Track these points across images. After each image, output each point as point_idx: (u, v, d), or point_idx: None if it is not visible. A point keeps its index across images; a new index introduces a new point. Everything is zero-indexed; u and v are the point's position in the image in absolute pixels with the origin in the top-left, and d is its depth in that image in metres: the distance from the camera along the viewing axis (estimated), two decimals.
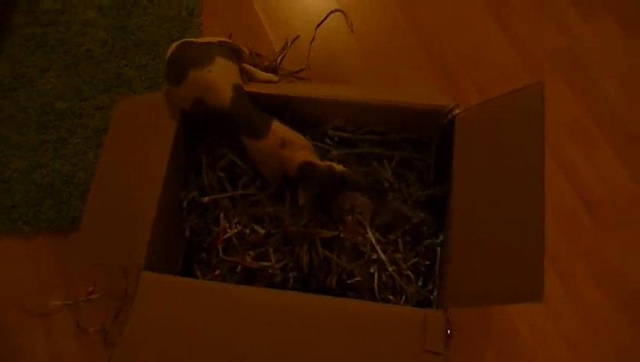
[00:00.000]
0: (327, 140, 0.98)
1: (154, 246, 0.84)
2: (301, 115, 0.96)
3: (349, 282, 0.89)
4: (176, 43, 0.93)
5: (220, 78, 0.88)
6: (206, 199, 0.96)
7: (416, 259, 0.91)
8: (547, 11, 1.29)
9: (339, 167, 0.84)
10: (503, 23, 1.29)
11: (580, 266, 1.08)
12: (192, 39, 0.96)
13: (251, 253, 0.94)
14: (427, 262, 0.92)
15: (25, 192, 1.19)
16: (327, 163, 0.85)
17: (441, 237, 0.90)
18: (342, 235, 0.90)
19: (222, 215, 0.96)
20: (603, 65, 1.24)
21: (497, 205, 0.76)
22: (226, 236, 0.94)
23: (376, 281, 0.89)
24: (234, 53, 0.94)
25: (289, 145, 0.86)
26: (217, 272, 0.95)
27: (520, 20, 1.29)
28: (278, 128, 0.87)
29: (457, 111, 0.88)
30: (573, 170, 1.15)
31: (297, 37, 1.30)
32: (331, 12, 1.33)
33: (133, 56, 1.29)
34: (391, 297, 0.90)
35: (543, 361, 1.03)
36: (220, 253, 0.95)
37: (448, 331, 1.00)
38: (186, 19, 1.33)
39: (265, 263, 0.92)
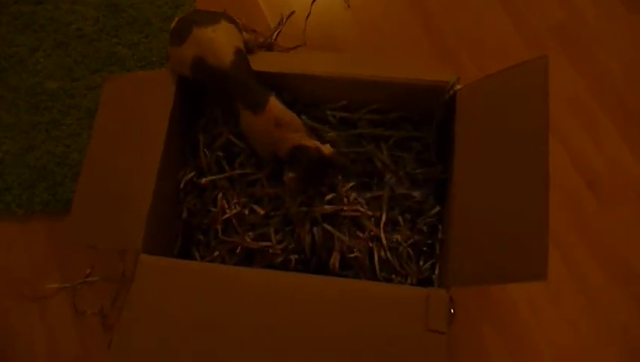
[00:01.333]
0: (329, 118, 0.97)
1: (151, 228, 0.83)
2: (298, 93, 0.94)
3: (349, 256, 0.88)
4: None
5: (223, 38, 0.86)
6: (204, 180, 0.94)
7: (417, 238, 0.90)
8: None
9: (327, 149, 0.84)
10: None
11: (582, 245, 1.07)
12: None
13: (251, 233, 0.93)
14: (428, 241, 0.91)
15: (18, 175, 1.17)
16: (315, 144, 0.84)
17: (436, 209, 0.89)
18: (344, 208, 0.89)
19: (220, 195, 0.94)
20: (604, 40, 1.22)
21: (500, 182, 0.75)
22: (224, 217, 0.93)
23: (376, 259, 0.88)
24: (239, 29, 0.93)
25: (284, 126, 0.85)
26: (216, 254, 0.94)
27: None
28: (275, 106, 0.85)
29: (458, 87, 0.86)
30: (575, 146, 1.14)
31: (292, 12, 1.28)
32: None
33: (126, 35, 1.26)
34: (393, 276, 0.89)
35: (543, 340, 1.03)
36: (220, 234, 0.93)
37: (452, 310, 1.00)
38: None
39: (265, 243, 0.91)
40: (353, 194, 0.91)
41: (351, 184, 0.92)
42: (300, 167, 0.83)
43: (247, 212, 0.93)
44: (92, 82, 1.23)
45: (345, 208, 0.89)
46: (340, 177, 0.92)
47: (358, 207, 0.90)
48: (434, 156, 0.95)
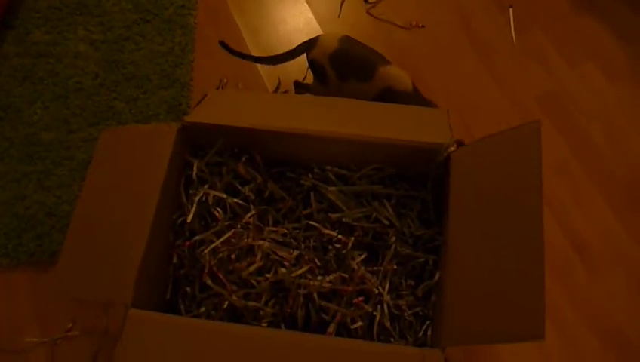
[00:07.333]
0: (328, 175, 0.98)
1: (142, 279, 0.81)
2: (291, 151, 0.95)
3: (352, 327, 0.86)
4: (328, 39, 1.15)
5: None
6: (187, 243, 0.93)
7: (418, 309, 0.89)
8: (533, 57, 1.33)
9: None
10: (488, 64, 1.33)
11: (572, 311, 1.07)
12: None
13: (239, 292, 0.90)
14: (423, 303, 0.90)
15: (5, 223, 1.15)
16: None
17: (437, 276, 0.88)
18: (345, 287, 0.88)
19: (208, 250, 0.92)
20: (587, 109, 1.27)
21: (494, 245, 0.76)
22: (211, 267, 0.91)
23: (375, 326, 0.86)
24: None
25: None
26: (202, 309, 0.91)
27: (506, 63, 1.33)
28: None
29: (452, 149, 0.88)
30: (562, 211, 1.16)
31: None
32: None
33: (124, 90, 1.29)
34: (391, 339, 0.87)
35: None
36: (208, 281, 0.91)
37: None
38: (179, 55, 1.33)
39: (253, 303, 0.89)
40: (362, 269, 0.90)
41: (362, 257, 0.92)
42: None
43: (234, 258, 0.91)
44: (88, 135, 1.23)
45: (346, 288, 0.87)
46: (349, 247, 0.92)
47: (366, 282, 0.88)
48: (433, 216, 0.95)
